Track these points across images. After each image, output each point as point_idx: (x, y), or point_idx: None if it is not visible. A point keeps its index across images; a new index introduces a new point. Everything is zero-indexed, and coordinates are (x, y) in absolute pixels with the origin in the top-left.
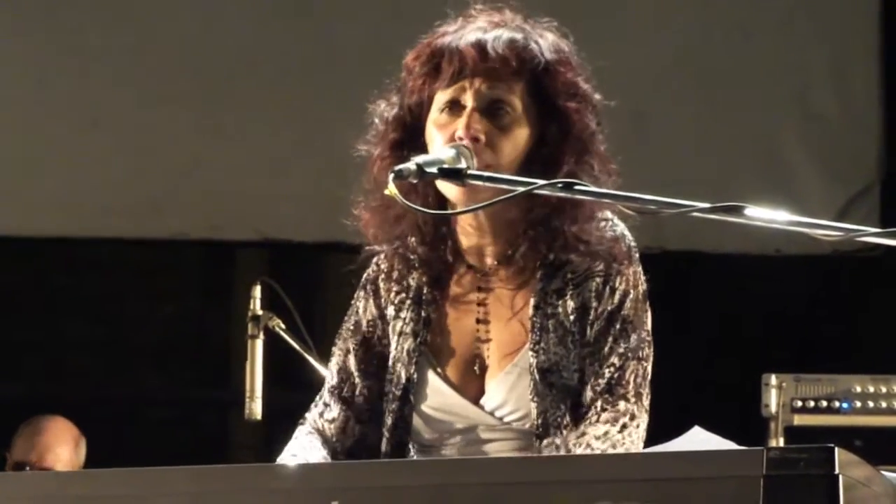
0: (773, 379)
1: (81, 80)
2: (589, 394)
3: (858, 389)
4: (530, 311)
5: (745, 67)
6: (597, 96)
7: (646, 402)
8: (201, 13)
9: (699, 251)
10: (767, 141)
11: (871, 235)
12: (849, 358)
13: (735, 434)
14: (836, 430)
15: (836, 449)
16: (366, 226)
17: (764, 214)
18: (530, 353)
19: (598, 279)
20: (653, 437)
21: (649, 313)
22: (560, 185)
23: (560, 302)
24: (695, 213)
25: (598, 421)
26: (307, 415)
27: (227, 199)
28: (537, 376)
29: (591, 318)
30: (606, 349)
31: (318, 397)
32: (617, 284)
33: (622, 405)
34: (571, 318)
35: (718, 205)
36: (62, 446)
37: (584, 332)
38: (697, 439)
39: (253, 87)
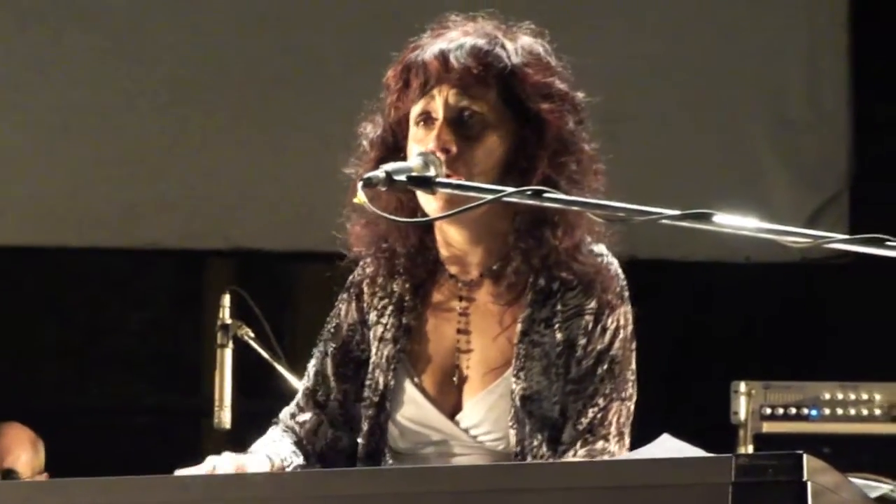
0: (743, 386)
1: (52, 86)
2: (570, 432)
3: (827, 397)
4: (517, 336)
5: (718, 72)
6: (579, 95)
7: (627, 440)
8: (174, 21)
9: (669, 259)
10: (739, 146)
11: (840, 242)
12: (817, 365)
13: (704, 442)
14: (805, 438)
15: (805, 456)
16: (354, 240)
17: (733, 221)
18: (513, 378)
19: (588, 317)
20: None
21: (634, 353)
22: (529, 193)
23: (548, 332)
24: (664, 221)
25: (575, 458)
26: (280, 414)
27: (197, 208)
28: (518, 403)
29: (578, 355)
30: (591, 389)
31: (295, 398)
32: (608, 324)
33: (601, 444)
34: (557, 349)
35: (688, 212)
36: (20, 449)
37: (568, 367)
38: (666, 447)
39: (224, 94)
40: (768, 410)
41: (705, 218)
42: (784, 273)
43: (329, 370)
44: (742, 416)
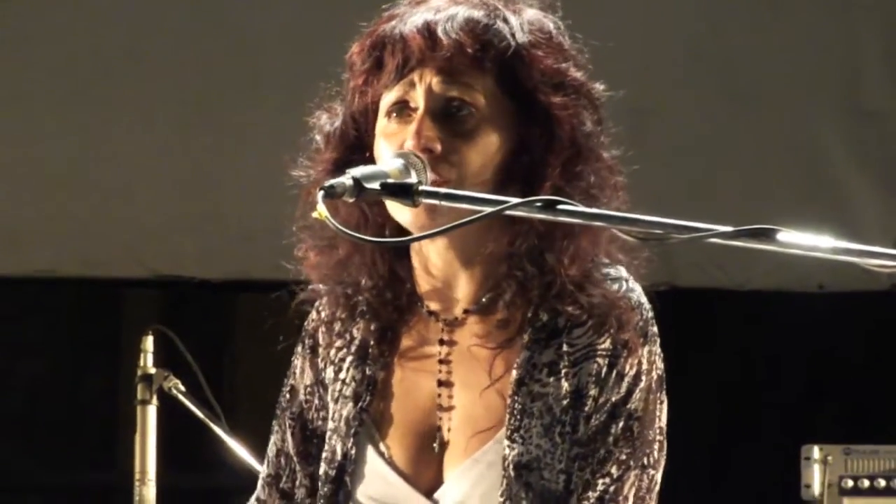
0: (816, 451)
1: None
2: None
3: None
4: (511, 387)
5: (776, 54)
6: (597, 86)
7: None
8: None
9: (719, 288)
10: (806, 147)
11: None
12: None
13: None
14: None
15: None
16: (309, 270)
17: (802, 240)
18: (506, 441)
19: (600, 360)
20: None
21: (665, 405)
22: (539, 205)
23: (551, 380)
24: (713, 239)
25: None
26: None
27: (106, 228)
28: (512, 473)
29: (587, 409)
30: (603, 452)
31: (256, 491)
32: (626, 369)
33: None
34: (563, 403)
35: (743, 228)
36: None
37: (576, 425)
38: None
39: (139, 86)
40: (850, 482)
41: (766, 236)
42: (869, 304)
43: (291, 449)
44: (816, 490)
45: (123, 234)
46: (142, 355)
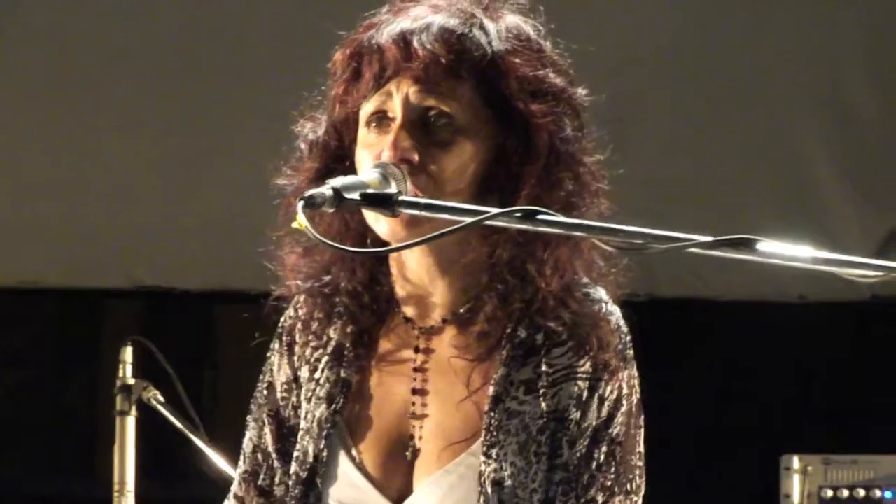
0: (796, 461)
1: None
2: None
3: None
4: (487, 403)
5: (757, 61)
6: (579, 92)
7: None
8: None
9: (699, 298)
10: (786, 154)
11: None
12: (893, 434)
13: None
14: None
15: None
16: (289, 275)
17: (782, 250)
18: (482, 457)
19: (581, 383)
20: None
21: (642, 430)
22: (518, 215)
23: (529, 398)
24: (693, 249)
25: None
26: None
27: (88, 236)
28: (488, 489)
29: (569, 434)
30: (587, 478)
31: (232, 486)
32: (606, 393)
33: None
34: (540, 423)
35: (722, 238)
36: None
37: (554, 448)
38: None
39: (121, 97)
40: (829, 492)
41: (746, 245)
42: (849, 315)
43: (269, 445)
44: (795, 499)
45: (105, 245)
46: (121, 366)
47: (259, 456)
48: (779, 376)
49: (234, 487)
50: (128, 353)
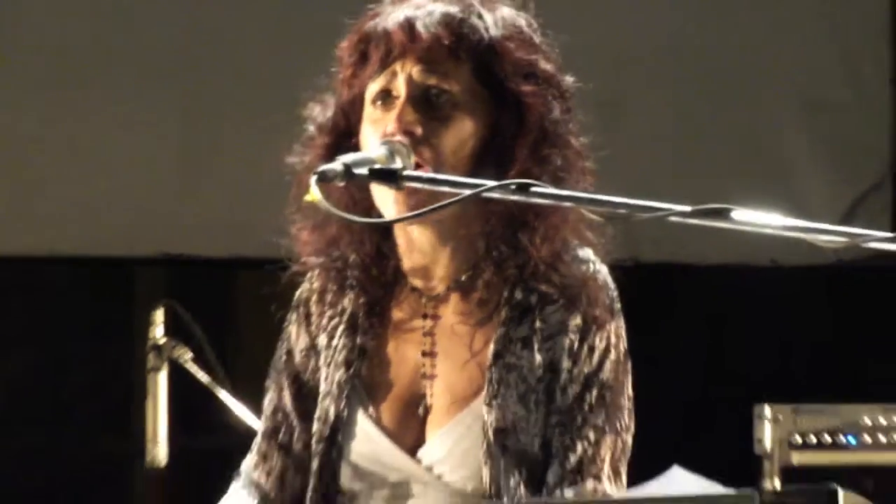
0: (768, 410)
1: None
2: (556, 472)
3: (868, 422)
4: (489, 359)
5: (736, 49)
6: (566, 78)
7: (623, 479)
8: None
9: (679, 262)
10: (760, 132)
11: (882, 241)
12: (855, 386)
13: (722, 475)
14: (841, 470)
15: (841, 491)
16: (301, 247)
17: (756, 218)
18: (485, 407)
19: (573, 336)
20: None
21: (630, 374)
22: (513, 187)
23: (525, 353)
24: (673, 218)
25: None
26: (242, 466)
27: (120, 208)
28: (492, 436)
29: (562, 381)
30: (580, 420)
31: (254, 443)
32: (596, 343)
33: (592, 485)
34: (538, 374)
35: (701, 207)
36: None
37: (550, 395)
38: (677, 482)
39: (149, 73)
40: (798, 438)
41: (722, 214)
42: (816, 278)
43: (288, 406)
44: (767, 445)
45: (135, 217)
46: (152, 327)
47: (279, 416)
48: (751, 334)
49: (257, 442)
50: (158, 315)
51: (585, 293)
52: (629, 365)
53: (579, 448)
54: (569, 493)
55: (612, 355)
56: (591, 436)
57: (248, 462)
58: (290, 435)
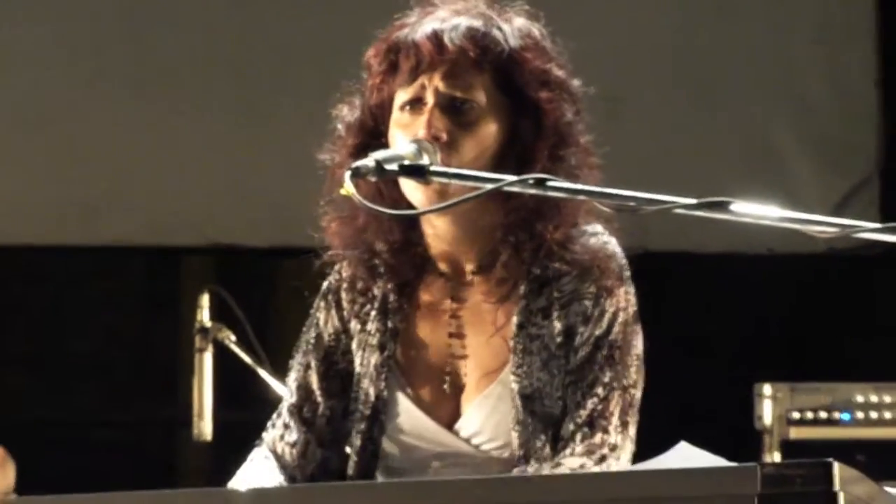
0: (767, 388)
1: (3, 77)
2: (569, 426)
3: (860, 399)
4: (513, 329)
5: (732, 52)
6: (575, 82)
7: (632, 431)
8: (134, 4)
9: (684, 251)
10: (756, 131)
11: (871, 231)
12: (849, 365)
13: (725, 450)
14: (836, 444)
15: (836, 464)
16: (331, 237)
17: (753, 210)
18: (512, 377)
19: (586, 301)
20: (635, 454)
21: (640, 335)
22: (531, 182)
23: (546, 322)
24: (678, 210)
25: (574, 454)
26: (264, 435)
27: (170, 202)
28: (519, 403)
29: (576, 342)
30: (591, 378)
31: (275, 415)
32: (606, 307)
33: (601, 437)
34: (557, 340)
35: (703, 200)
36: None
37: (569, 358)
38: (684, 456)
39: (199, 79)
40: (795, 415)
41: (722, 207)
42: (809, 265)
43: (314, 384)
44: (767, 421)
45: (185, 209)
46: (199, 311)
47: (303, 393)
48: (751, 317)
49: (283, 415)
50: (205, 300)
51: (597, 264)
52: (638, 326)
53: (589, 404)
54: (580, 447)
55: (621, 317)
56: (601, 392)
57: (272, 434)
58: (314, 411)
